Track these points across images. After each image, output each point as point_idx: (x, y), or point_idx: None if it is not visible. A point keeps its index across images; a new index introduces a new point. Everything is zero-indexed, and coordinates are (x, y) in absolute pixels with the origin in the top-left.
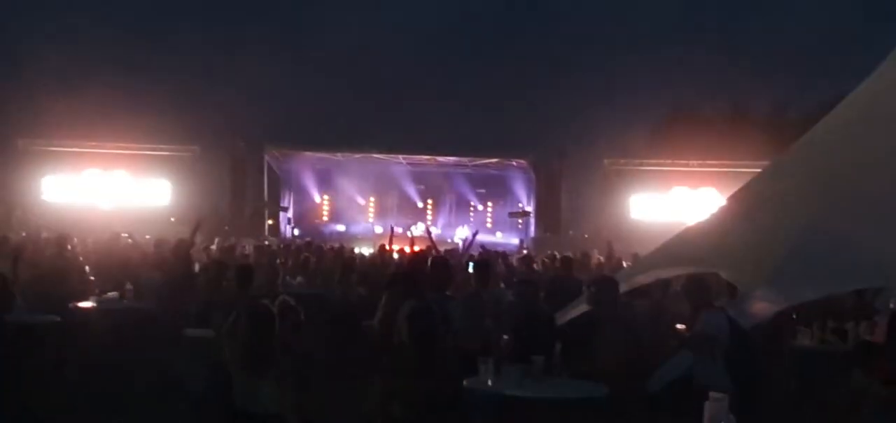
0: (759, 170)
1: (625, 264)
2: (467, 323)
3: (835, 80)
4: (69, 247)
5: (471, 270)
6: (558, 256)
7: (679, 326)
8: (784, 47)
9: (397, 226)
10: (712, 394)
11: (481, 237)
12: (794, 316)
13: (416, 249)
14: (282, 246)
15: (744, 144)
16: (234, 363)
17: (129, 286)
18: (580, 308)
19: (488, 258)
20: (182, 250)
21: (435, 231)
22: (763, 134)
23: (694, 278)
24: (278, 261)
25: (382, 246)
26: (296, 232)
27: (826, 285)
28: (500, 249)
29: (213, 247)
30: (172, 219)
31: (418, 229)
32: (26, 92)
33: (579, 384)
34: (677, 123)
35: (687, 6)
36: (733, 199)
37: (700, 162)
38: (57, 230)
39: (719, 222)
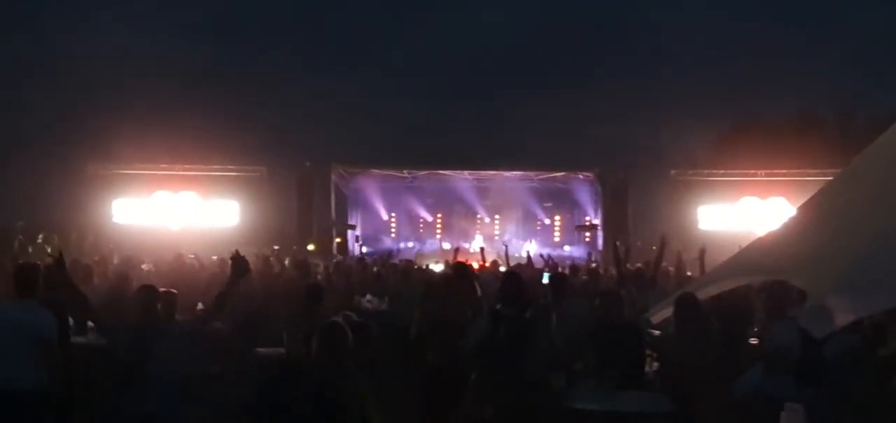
0: (829, 177)
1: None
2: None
3: None
4: (143, 268)
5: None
6: (631, 267)
7: (752, 340)
8: (851, 52)
9: (464, 242)
10: (788, 405)
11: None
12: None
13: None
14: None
15: (813, 152)
16: None
17: (199, 306)
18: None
19: (563, 273)
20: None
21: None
22: (832, 141)
23: (768, 288)
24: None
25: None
26: (364, 250)
27: None
28: (568, 261)
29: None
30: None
31: (476, 244)
32: (96, 116)
33: (647, 397)
34: (745, 132)
35: (752, 15)
36: (804, 208)
37: (768, 171)
38: (126, 253)
39: (790, 231)
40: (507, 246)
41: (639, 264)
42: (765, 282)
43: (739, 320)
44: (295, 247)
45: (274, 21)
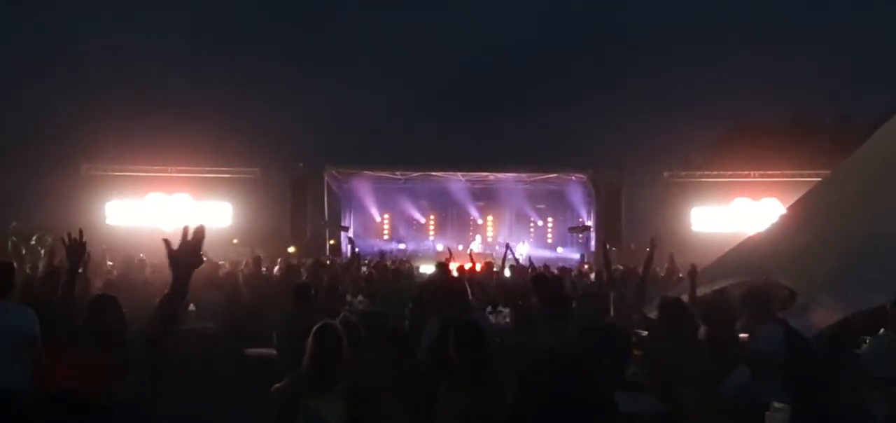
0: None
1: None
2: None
3: None
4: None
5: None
6: (621, 268)
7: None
8: (847, 54)
9: (458, 243)
10: (773, 404)
11: (540, 252)
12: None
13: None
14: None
15: (806, 154)
16: (299, 381)
17: (191, 307)
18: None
19: (545, 275)
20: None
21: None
22: (826, 143)
23: (753, 288)
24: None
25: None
26: (356, 251)
27: (885, 293)
28: (560, 264)
29: (277, 269)
30: (235, 241)
31: (476, 245)
32: (90, 117)
33: (636, 397)
34: (738, 133)
35: (745, 17)
36: (793, 208)
37: (761, 173)
38: (122, 254)
39: (779, 231)
40: (509, 248)
41: (629, 267)
42: (751, 282)
43: (725, 321)
44: (289, 249)
45: (268, 23)
